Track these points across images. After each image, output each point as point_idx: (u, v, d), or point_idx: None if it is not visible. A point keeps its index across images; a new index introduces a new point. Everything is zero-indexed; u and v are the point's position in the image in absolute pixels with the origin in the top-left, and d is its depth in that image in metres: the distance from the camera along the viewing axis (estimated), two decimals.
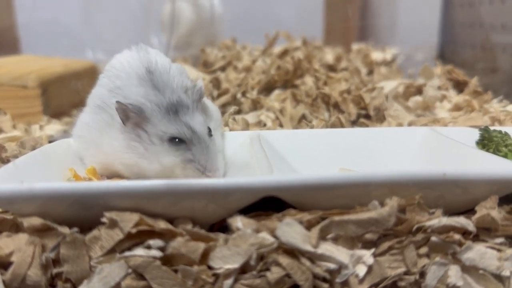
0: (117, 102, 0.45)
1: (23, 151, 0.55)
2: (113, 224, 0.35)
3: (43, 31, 1.44)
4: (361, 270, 0.35)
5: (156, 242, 0.35)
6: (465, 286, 0.37)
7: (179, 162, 0.45)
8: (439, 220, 0.36)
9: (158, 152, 0.46)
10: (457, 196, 0.39)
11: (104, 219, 0.35)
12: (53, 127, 0.73)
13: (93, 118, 0.50)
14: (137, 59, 0.49)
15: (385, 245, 0.36)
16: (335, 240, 0.36)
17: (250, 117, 0.74)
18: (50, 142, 0.58)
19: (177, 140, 0.45)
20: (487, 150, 0.54)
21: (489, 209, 0.38)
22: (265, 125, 0.73)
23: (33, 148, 0.56)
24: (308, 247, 0.35)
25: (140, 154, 0.46)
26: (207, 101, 0.55)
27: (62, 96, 0.86)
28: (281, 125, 0.74)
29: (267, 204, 0.39)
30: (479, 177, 0.38)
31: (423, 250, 0.36)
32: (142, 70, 0.48)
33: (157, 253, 0.34)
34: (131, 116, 0.46)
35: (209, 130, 0.48)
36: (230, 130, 0.65)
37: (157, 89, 0.47)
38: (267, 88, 0.89)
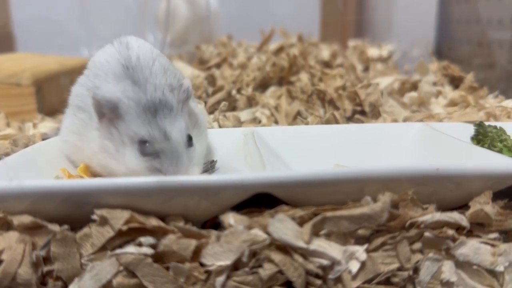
0: (93, 97, 0.42)
1: (16, 149, 0.55)
2: (103, 221, 0.34)
3: (38, 28, 1.43)
4: (354, 266, 0.35)
5: (147, 240, 0.34)
6: (459, 282, 0.36)
7: (144, 168, 0.42)
8: (432, 215, 0.36)
9: (126, 154, 0.42)
10: (451, 191, 0.38)
11: (94, 217, 0.35)
12: (47, 125, 0.72)
13: (73, 121, 0.48)
14: (115, 56, 0.46)
15: (378, 241, 0.36)
16: (328, 236, 0.35)
17: (245, 114, 0.74)
18: (43, 139, 0.58)
19: (147, 144, 0.42)
20: (482, 146, 0.53)
21: (483, 204, 0.37)
22: (260, 121, 0.73)
23: (26, 146, 0.56)
24: (301, 243, 0.34)
25: (111, 154, 0.43)
26: (193, 103, 0.52)
27: (57, 94, 0.85)
28: (276, 122, 0.74)
29: (261, 201, 0.38)
30: (472, 172, 0.37)
31: (417, 245, 0.36)
32: (119, 68, 0.45)
33: (148, 251, 0.34)
34: (105, 112, 0.43)
35: (189, 139, 0.44)
36: (220, 127, 0.65)
37: (137, 85, 0.44)
38: (263, 85, 0.88)
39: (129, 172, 0.42)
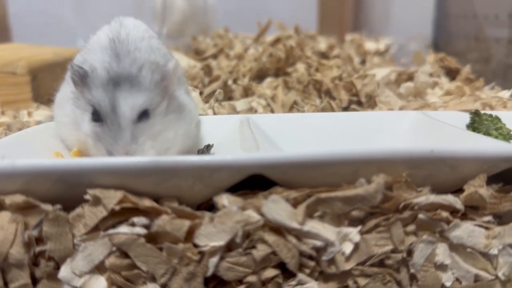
0: (70, 65, 0.44)
1: (9, 133, 0.55)
2: (96, 201, 0.34)
3: (35, 21, 1.43)
4: (348, 248, 0.35)
5: (140, 220, 0.34)
6: (453, 265, 0.36)
7: (91, 134, 0.43)
8: (426, 197, 0.36)
9: (84, 119, 0.44)
10: (446, 175, 0.38)
11: (87, 196, 0.34)
12: (42, 113, 0.72)
13: (59, 95, 0.50)
14: (107, 31, 0.47)
15: (371, 223, 0.36)
16: (322, 217, 0.35)
17: (241, 104, 0.74)
18: None
19: (97, 111, 0.43)
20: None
21: (477, 187, 0.37)
22: (256, 111, 0.73)
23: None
24: (294, 224, 0.34)
25: (77, 121, 0.45)
26: (179, 90, 0.51)
27: (52, 83, 0.85)
28: (272, 112, 0.73)
29: (255, 186, 0.38)
30: (467, 155, 0.37)
31: (411, 228, 0.36)
32: (106, 41, 0.46)
33: (141, 231, 0.34)
34: (76, 80, 0.44)
35: (144, 114, 0.43)
36: (215, 114, 0.65)
37: (116, 57, 0.44)
38: (259, 76, 0.88)
39: (83, 137, 0.44)
